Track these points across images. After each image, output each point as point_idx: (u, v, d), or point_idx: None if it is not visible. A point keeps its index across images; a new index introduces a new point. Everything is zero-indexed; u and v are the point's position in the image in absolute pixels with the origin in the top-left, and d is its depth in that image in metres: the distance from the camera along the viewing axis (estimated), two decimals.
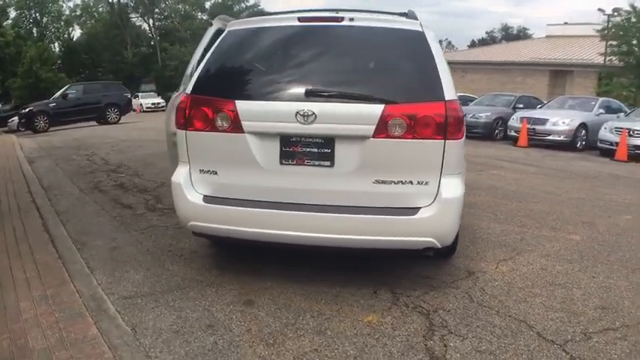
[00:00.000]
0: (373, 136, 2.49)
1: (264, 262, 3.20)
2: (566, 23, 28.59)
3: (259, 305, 2.67)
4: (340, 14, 2.76)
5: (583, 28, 24.69)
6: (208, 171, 2.73)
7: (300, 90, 2.59)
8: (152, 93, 30.86)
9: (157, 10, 43.91)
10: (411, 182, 2.54)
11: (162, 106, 27.89)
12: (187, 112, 2.72)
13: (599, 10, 23.30)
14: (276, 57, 2.80)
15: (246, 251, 3.33)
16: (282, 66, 2.76)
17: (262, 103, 2.61)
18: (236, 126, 2.61)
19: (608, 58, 21.80)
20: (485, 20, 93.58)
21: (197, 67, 2.97)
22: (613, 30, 21.92)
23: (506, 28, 56.99)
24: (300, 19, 2.77)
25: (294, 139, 2.59)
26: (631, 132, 9.94)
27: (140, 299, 2.74)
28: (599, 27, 22.06)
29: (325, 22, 2.76)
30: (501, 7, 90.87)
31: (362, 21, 2.74)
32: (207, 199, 2.72)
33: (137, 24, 45.04)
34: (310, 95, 2.55)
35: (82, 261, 3.28)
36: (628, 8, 21.21)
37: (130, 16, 43.92)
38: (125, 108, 17.29)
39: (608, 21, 22.39)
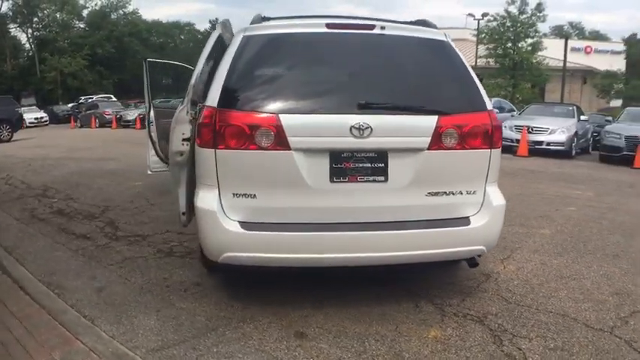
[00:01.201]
0: (428, 149, 2.47)
1: (276, 286, 2.98)
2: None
3: (314, 336, 2.47)
4: (365, 22, 2.70)
5: (457, 32, 27.37)
6: (244, 194, 2.44)
7: (351, 102, 2.46)
8: (34, 107, 27.54)
9: (35, 19, 39.87)
10: (460, 192, 2.57)
11: (46, 121, 25.30)
12: (217, 128, 2.41)
13: (470, 15, 26.23)
14: (312, 66, 2.63)
15: (251, 276, 3.06)
16: (322, 76, 2.61)
17: (311, 117, 2.43)
18: (281, 143, 2.38)
19: (485, 60, 24.64)
20: None
21: (213, 77, 2.65)
22: (488, 34, 24.84)
23: None
24: (328, 26, 2.63)
25: (345, 155, 2.44)
26: (530, 129, 11.31)
27: (175, 350, 2.35)
28: (472, 31, 24.91)
29: (356, 30, 2.66)
30: (361, 14, 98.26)
31: (392, 30, 2.69)
32: (246, 225, 2.43)
33: (15, 34, 40.96)
34: (364, 108, 2.43)
35: (72, 309, 2.72)
36: (502, 13, 24.14)
37: (9, 27, 39.18)
38: (17, 124, 15.46)
39: (478, 25, 25.21)
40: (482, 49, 25.09)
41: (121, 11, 43.18)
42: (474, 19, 26.41)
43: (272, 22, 2.79)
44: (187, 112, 2.81)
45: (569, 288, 3.08)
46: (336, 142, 2.42)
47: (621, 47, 35.51)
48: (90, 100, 27.33)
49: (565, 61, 24.43)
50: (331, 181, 2.45)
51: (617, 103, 30.51)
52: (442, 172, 2.53)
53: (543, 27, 29.96)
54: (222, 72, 2.56)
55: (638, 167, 9.53)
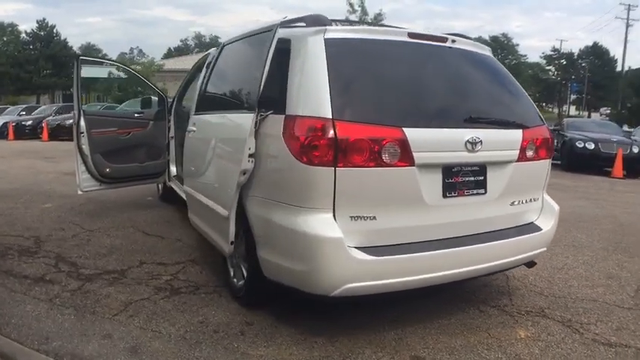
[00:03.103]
0: (516, 161, 2.61)
1: (336, 311, 2.79)
2: None
3: (432, 358, 2.37)
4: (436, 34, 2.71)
5: None
6: (363, 217, 2.21)
7: (460, 116, 2.45)
8: None
9: None
10: (529, 200, 2.78)
11: None
12: (339, 143, 2.12)
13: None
14: (411, 76, 2.53)
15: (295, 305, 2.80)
16: (426, 88, 2.52)
17: (432, 131, 2.33)
18: (406, 158, 2.23)
19: None
20: (168, 29, 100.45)
21: (286, 83, 2.33)
22: None
23: (199, 37, 62.84)
24: (410, 35, 2.55)
25: (455, 169, 2.42)
26: None
27: None
28: None
29: (434, 42, 2.65)
30: (182, 17, 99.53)
31: (458, 44, 2.75)
32: (370, 251, 2.20)
33: None
34: (472, 122, 2.45)
35: None
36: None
37: None
38: None
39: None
40: None
41: None
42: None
43: (348, 27, 2.57)
44: (256, 122, 2.38)
45: (585, 278, 3.53)
46: (450, 156, 2.38)
47: None
48: None
49: None
50: (444, 196, 2.40)
51: None
52: (522, 182, 2.70)
53: None
54: (315, 78, 2.25)
55: None
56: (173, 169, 5.20)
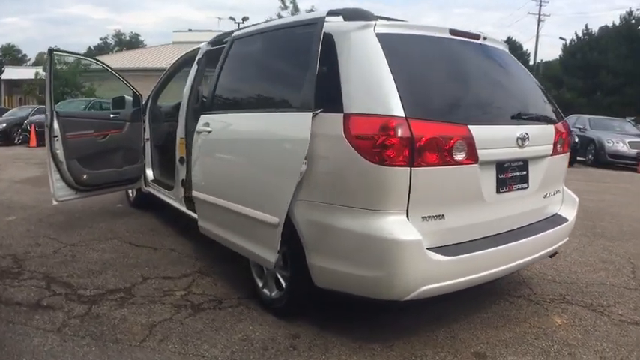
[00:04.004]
0: (550, 155, 2.70)
1: (381, 315, 2.74)
2: (190, 30, 31.55)
3: (494, 353, 2.39)
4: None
5: (209, 34, 27.85)
6: (433, 216, 2.16)
7: (510, 112, 2.49)
8: None
9: None
10: (555, 192, 2.90)
11: None
12: (415, 142, 2.04)
13: (231, 18, 27.54)
14: (463, 73, 2.51)
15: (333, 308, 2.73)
16: (478, 84, 2.53)
17: (490, 128, 2.34)
18: (471, 156, 2.21)
19: None
20: (86, 27, 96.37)
21: (338, 80, 2.22)
22: None
23: (119, 35, 60.73)
24: (451, 32, 2.54)
25: (506, 165, 2.45)
26: None
27: None
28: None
29: (470, 39, 2.65)
30: (99, 14, 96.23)
31: (488, 41, 2.79)
32: (442, 250, 2.16)
33: None
34: (519, 118, 2.49)
35: None
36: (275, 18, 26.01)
37: None
38: None
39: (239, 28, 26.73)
40: None
41: None
42: (235, 23, 27.36)
43: (394, 22, 2.49)
44: None
45: (594, 266, 3.75)
46: (502, 153, 2.41)
47: None
48: None
49: None
50: (497, 192, 2.42)
51: None
52: (552, 175, 2.80)
53: None
54: (377, 75, 2.14)
55: None
56: (150, 174, 4.80)
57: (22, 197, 5.76)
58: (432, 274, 2.11)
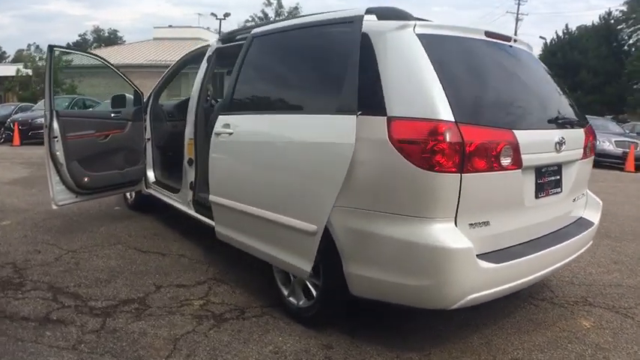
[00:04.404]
0: (580, 158, 2.68)
1: (411, 322, 2.69)
2: (170, 26, 31.34)
3: (533, 359, 2.36)
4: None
5: (190, 30, 27.47)
6: (479, 223, 2.10)
7: (547, 116, 2.46)
8: None
9: None
10: (581, 195, 2.89)
11: None
12: (466, 147, 1.98)
13: (212, 14, 27.27)
14: (502, 76, 2.46)
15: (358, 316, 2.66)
16: (517, 88, 2.48)
17: (533, 132, 2.30)
18: (517, 161, 2.16)
19: None
20: (65, 23, 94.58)
21: (379, 81, 2.13)
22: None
23: (98, 31, 59.71)
24: (487, 34, 2.48)
25: (543, 170, 2.42)
26: None
27: None
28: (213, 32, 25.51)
29: (504, 41, 2.61)
30: (77, 11, 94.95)
31: (518, 43, 2.75)
32: (490, 257, 2.11)
33: None
34: (555, 122, 2.47)
35: None
36: (259, 14, 25.52)
37: None
38: None
39: (220, 25, 25.97)
40: None
41: None
42: (217, 19, 26.95)
43: (423, 22, 2.41)
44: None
45: (606, 267, 3.77)
46: (541, 157, 2.37)
47: None
48: None
49: None
50: (536, 197, 2.38)
51: None
52: (580, 179, 2.79)
53: None
54: (422, 77, 2.06)
55: None
56: (151, 175, 4.62)
57: (13, 200, 5.50)
58: (480, 282, 2.05)
